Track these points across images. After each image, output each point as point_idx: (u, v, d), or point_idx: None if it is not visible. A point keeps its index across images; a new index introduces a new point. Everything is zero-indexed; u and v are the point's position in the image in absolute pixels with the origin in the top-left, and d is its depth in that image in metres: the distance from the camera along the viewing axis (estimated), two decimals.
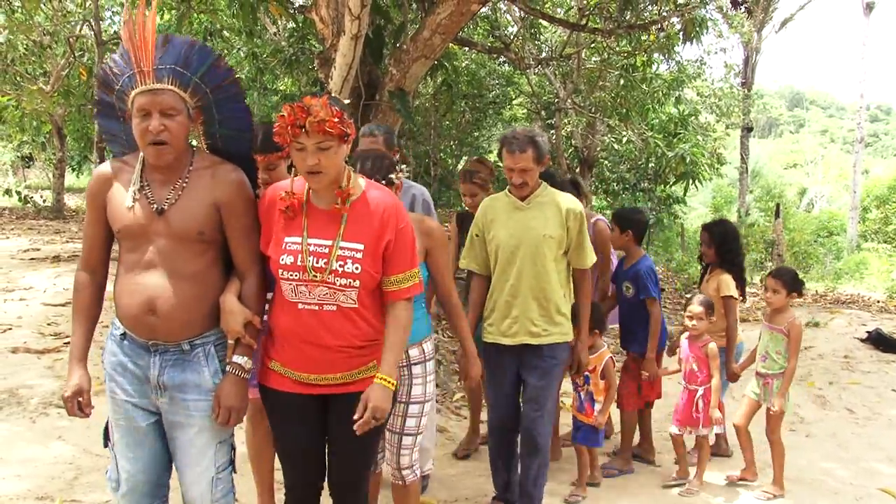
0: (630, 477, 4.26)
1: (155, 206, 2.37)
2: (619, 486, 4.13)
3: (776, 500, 4.06)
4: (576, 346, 3.63)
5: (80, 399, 2.42)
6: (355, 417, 2.34)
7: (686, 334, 4.22)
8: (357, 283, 2.36)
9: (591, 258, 3.55)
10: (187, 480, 2.47)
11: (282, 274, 2.38)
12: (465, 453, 4.44)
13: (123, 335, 2.43)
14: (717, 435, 4.46)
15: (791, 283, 4.14)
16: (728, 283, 4.31)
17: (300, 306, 2.39)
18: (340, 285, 2.36)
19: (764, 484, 4.18)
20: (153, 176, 2.41)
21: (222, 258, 2.48)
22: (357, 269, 2.36)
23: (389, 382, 2.38)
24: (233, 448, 2.55)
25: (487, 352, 3.52)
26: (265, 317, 2.53)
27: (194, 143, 2.55)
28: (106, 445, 2.54)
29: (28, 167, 22.59)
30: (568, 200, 3.50)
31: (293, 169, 2.44)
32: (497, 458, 3.68)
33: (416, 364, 2.98)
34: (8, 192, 12.20)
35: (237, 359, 2.42)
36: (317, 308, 2.37)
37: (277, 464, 3.25)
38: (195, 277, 2.39)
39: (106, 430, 2.53)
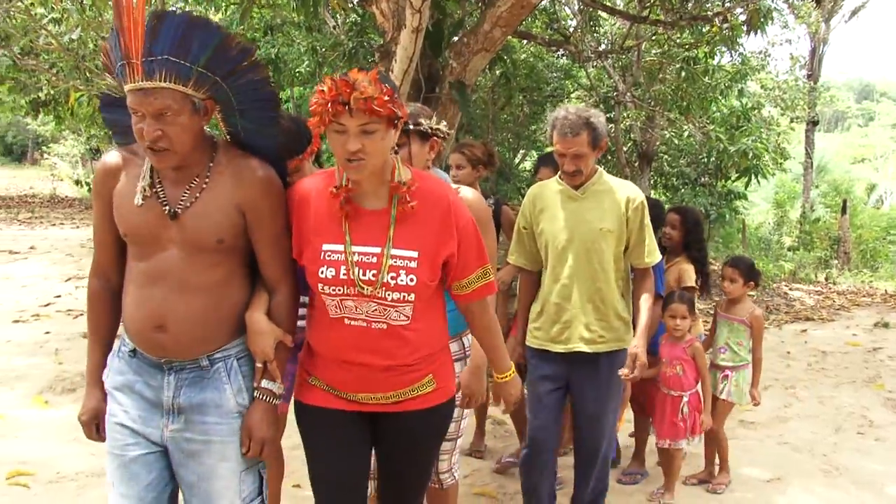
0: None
1: (168, 208, 2.00)
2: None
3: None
4: (632, 352, 3.14)
5: (98, 423, 2.17)
6: (502, 412, 2.29)
7: (663, 337, 3.91)
8: (412, 296, 2.05)
9: (655, 255, 3.17)
10: None
11: (322, 289, 2.05)
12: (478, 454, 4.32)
13: (133, 352, 2.10)
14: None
15: (748, 272, 4.03)
16: (690, 274, 4.15)
17: (346, 322, 2.07)
18: (392, 300, 2.04)
19: (716, 477, 4.10)
20: (166, 173, 2.03)
21: (244, 264, 2.13)
22: (412, 280, 2.04)
23: (508, 375, 2.36)
24: (261, 476, 2.20)
25: (531, 358, 3.21)
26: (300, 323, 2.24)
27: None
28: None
29: (96, 159, 23.31)
30: (628, 189, 3.13)
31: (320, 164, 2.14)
32: (533, 481, 3.23)
33: (457, 360, 2.65)
34: (78, 182, 12.58)
35: (267, 384, 2.11)
36: (364, 325, 2.07)
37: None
38: (212, 289, 2.05)
39: None
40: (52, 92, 11.47)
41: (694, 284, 4.16)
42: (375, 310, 2.05)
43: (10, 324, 5.77)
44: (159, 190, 2.02)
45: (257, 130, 2.11)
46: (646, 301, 3.19)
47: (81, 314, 5.65)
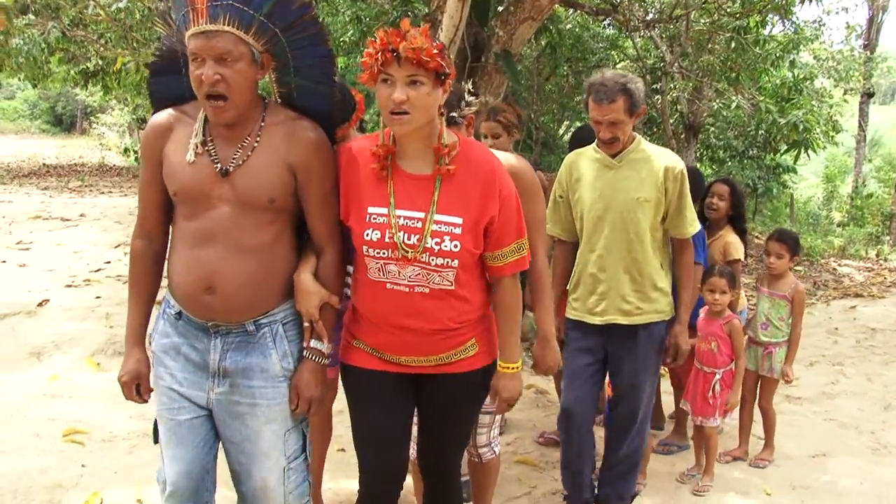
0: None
1: (219, 166, 2.02)
2: None
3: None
4: (673, 329, 3.14)
5: (139, 384, 2.19)
6: (487, 404, 2.26)
7: (702, 311, 3.80)
8: (455, 262, 2.06)
9: (694, 226, 3.09)
10: (254, 477, 2.17)
11: (367, 251, 2.08)
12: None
13: (179, 314, 2.12)
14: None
15: (795, 246, 3.93)
16: (738, 247, 4.08)
17: (388, 286, 2.09)
18: (436, 265, 2.05)
19: (760, 453, 4.04)
20: (218, 131, 2.05)
21: (293, 226, 2.15)
22: (456, 247, 2.05)
23: (514, 367, 2.24)
24: (304, 435, 2.26)
25: (570, 330, 3.17)
26: (347, 292, 2.28)
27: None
28: (156, 441, 2.25)
29: (142, 128, 23.68)
30: (667, 157, 3.04)
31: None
32: (569, 453, 3.22)
33: None
34: (125, 151, 12.82)
35: (315, 344, 2.14)
36: (407, 290, 2.08)
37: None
38: (261, 251, 2.05)
39: (156, 423, 2.24)
40: (100, 62, 11.67)
41: (741, 257, 4.10)
42: (419, 274, 2.06)
43: (63, 289, 5.92)
44: (211, 148, 2.04)
45: (312, 89, 2.13)
46: (686, 277, 3.13)
47: None
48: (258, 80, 2.05)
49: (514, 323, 2.24)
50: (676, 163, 3.02)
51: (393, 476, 2.32)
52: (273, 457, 2.16)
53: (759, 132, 11.73)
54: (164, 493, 2.18)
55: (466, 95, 2.57)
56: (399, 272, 2.07)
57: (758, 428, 4.13)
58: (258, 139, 2.05)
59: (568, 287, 3.20)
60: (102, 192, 12.20)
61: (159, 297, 2.24)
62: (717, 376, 3.68)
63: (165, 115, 2.11)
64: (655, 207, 2.99)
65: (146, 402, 2.22)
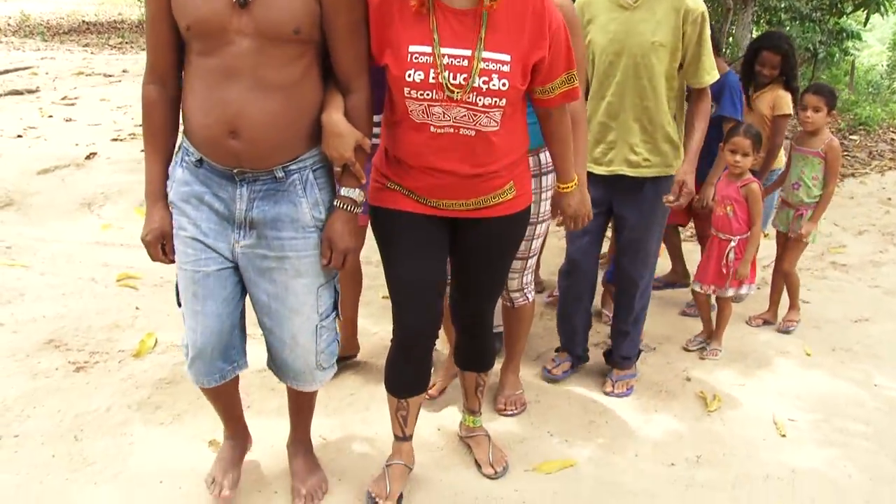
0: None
1: None
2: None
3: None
4: (681, 167, 2.98)
5: (164, 243, 2.06)
6: (556, 224, 2.33)
7: (721, 172, 3.64)
8: (503, 101, 1.98)
9: (712, 74, 2.91)
10: (285, 335, 2.12)
11: (409, 93, 1.97)
12: None
13: (199, 161, 1.97)
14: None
15: (831, 99, 3.71)
16: (787, 101, 3.91)
17: (432, 129, 2.01)
18: (483, 106, 1.97)
19: (786, 315, 4.02)
20: None
21: (321, 62, 1.98)
22: (504, 85, 1.96)
23: (571, 185, 2.35)
24: (336, 291, 2.19)
25: None
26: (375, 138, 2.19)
27: None
28: (180, 305, 2.13)
29: None
30: None
31: None
32: (567, 303, 3.28)
33: (533, 177, 2.58)
34: None
35: (346, 191, 2.03)
36: (452, 131, 2.01)
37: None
38: (288, 88, 1.90)
39: (178, 285, 2.13)
40: None
41: (790, 112, 3.96)
42: (464, 115, 1.99)
43: (109, 142, 5.97)
44: None
45: None
46: (699, 123, 2.97)
47: None
48: None
49: (567, 150, 2.28)
50: (697, 5, 2.81)
51: (426, 327, 2.30)
52: (304, 313, 2.09)
53: None
54: (189, 356, 2.12)
55: None
56: (444, 113, 1.99)
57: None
58: None
59: None
60: (143, 49, 12.06)
61: None
62: (732, 244, 3.53)
63: None
64: (672, 53, 2.83)
65: (173, 262, 2.09)
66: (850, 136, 9.01)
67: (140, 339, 3.34)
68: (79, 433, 2.71)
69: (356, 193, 2.04)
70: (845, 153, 8.18)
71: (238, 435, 2.47)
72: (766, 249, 4.35)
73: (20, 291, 3.64)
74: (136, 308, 3.63)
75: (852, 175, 7.42)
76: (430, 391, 2.92)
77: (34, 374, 3.02)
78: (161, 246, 2.06)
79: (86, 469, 2.53)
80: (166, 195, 2.05)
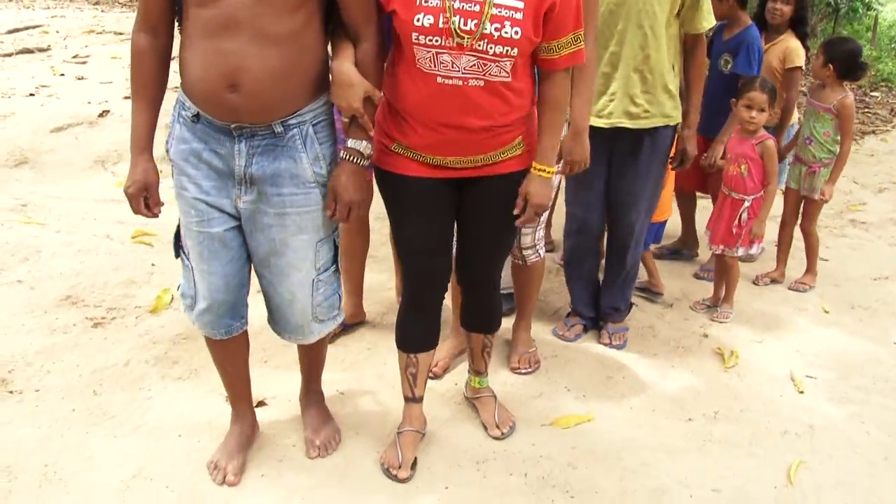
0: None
1: None
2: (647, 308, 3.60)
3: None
4: (682, 132, 3.05)
5: (147, 196, 2.01)
6: (515, 213, 2.15)
7: (732, 130, 3.53)
8: (515, 51, 1.92)
9: (709, 20, 2.87)
10: (283, 290, 2.12)
11: (417, 38, 1.91)
12: None
13: (196, 116, 1.92)
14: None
15: (832, 52, 3.57)
16: (799, 52, 3.76)
17: (439, 80, 1.94)
18: (494, 54, 1.91)
19: (802, 276, 3.94)
20: None
21: (322, 13, 1.93)
22: (517, 33, 1.90)
23: (548, 172, 2.12)
24: (336, 245, 2.18)
25: None
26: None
27: None
28: (177, 255, 2.15)
29: None
30: None
31: None
32: (575, 263, 3.28)
33: None
34: None
35: (354, 143, 1.98)
36: (460, 83, 1.94)
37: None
38: (289, 40, 1.83)
39: (177, 235, 2.13)
40: None
41: (801, 64, 3.81)
42: (474, 65, 1.93)
43: (122, 100, 5.91)
44: None
45: None
46: (698, 76, 2.96)
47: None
48: None
49: (559, 122, 2.14)
50: None
51: (435, 284, 2.31)
52: (303, 269, 2.09)
53: None
54: (193, 309, 2.14)
55: None
56: (453, 63, 1.92)
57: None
58: None
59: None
60: None
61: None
62: (746, 203, 3.42)
63: None
64: (672, 0, 2.78)
65: (156, 216, 2.06)
66: (872, 93, 8.86)
67: (156, 296, 3.35)
68: (97, 388, 2.73)
69: (363, 146, 2.00)
70: (866, 110, 8.05)
71: (245, 420, 2.44)
72: (775, 207, 4.30)
73: (36, 249, 3.65)
74: (152, 265, 3.64)
75: (873, 132, 7.31)
76: (434, 369, 2.88)
77: (52, 330, 3.04)
78: (144, 199, 2.02)
79: (105, 423, 2.56)
80: (151, 147, 2.00)
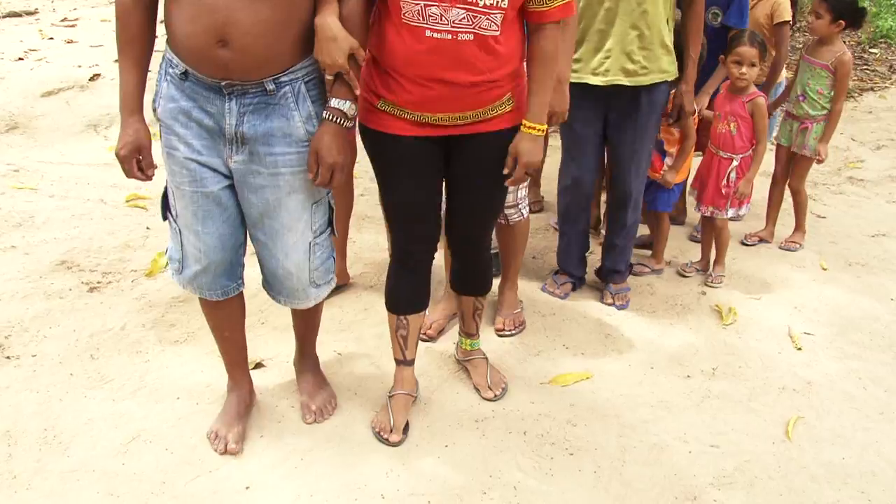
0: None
1: None
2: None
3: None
4: (678, 87, 3.00)
5: (140, 158, 1.95)
6: (505, 173, 2.10)
7: (718, 83, 3.41)
8: (505, 2, 1.88)
9: None
10: (278, 252, 2.07)
11: None
12: None
13: (185, 74, 1.86)
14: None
15: (836, 6, 3.44)
16: (786, 7, 3.63)
17: (427, 34, 1.88)
18: (483, 6, 1.86)
19: (790, 236, 3.90)
20: None
21: None
22: None
23: (539, 130, 2.07)
24: (331, 207, 2.15)
25: (571, 98, 2.79)
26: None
27: None
28: (165, 218, 2.10)
29: None
30: None
31: None
32: (567, 222, 3.26)
33: None
34: None
35: (337, 103, 1.90)
36: (449, 37, 1.88)
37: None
38: None
39: (164, 198, 2.08)
40: None
41: (789, 19, 3.70)
42: (463, 17, 1.88)
43: (113, 63, 5.83)
44: None
45: None
46: (695, 29, 2.92)
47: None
48: None
49: (550, 78, 2.08)
50: None
51: (423, 244, 2.30)
52: (298, 230, 2.05)
53: None
54: (182, 272, 2.10)
55: None
56: (441, 15, 1.86)
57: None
58: None
59: None
60: None
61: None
62: (734, 163, 3.32)
63: None
64: None
65: (150, 179, 1.99)
66: (871, 50, 8.76)
67: (152, 259, 3.33)
68: (95, 352, 2.72)
69: (347, 106, 1.92)
70: (865, 67, 7.97)
71: (242, 387, 2.43)
72: (764, 164, 4.27)
73: (30, 214, 3.63)
74: (147, 228, 3.62)
75: (871, 89, 7.24)
76: (427, 331, 2.87)
77: (48, 295, 3.02)
78: (137, 162, 1.96)
79: (104, 386, 2.55)
80: (141, 107, 1.94)
